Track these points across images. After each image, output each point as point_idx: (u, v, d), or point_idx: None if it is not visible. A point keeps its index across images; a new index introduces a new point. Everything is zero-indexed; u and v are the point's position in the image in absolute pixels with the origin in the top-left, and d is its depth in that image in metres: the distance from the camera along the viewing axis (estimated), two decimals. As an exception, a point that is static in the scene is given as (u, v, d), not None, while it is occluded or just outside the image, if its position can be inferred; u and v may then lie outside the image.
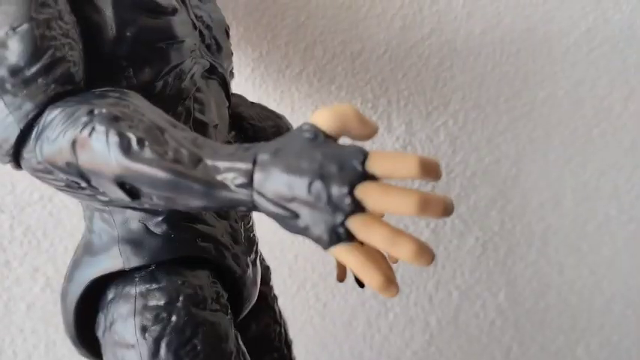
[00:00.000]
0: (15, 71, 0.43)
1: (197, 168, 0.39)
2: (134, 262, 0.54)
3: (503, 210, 1.13)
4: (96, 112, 0.41)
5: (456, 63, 1.02)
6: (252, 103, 0.82)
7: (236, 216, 0.64)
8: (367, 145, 1.01)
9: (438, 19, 0.99)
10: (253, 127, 0.79)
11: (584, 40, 1.07)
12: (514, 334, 1.19)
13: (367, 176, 0.35)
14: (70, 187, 0.45)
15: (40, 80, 0.43)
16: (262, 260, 0.80)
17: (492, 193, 1.11)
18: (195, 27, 0.59)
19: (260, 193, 0.38)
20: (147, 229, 0.55)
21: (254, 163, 0.38)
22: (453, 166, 1.07)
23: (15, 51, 0.42)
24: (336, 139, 0.38)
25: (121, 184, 0.41)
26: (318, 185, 0.35)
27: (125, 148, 0.40)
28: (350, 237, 0.36)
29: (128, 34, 0.51)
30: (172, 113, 0.55)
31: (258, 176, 0.37)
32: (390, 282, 0.36)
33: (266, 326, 0.76)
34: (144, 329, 0.52)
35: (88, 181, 0.42)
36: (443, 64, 1.01)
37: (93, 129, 0.41)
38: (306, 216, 0.36)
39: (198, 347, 0.53)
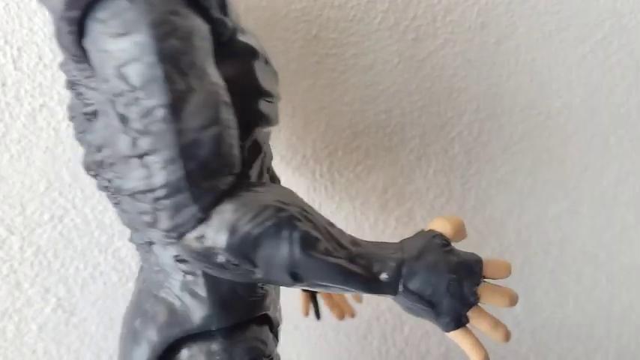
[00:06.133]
0: (203, 165, 0.46)
1: (356, 262, 0.47)
2: (222, 323, 0.57)
3: (519, 220, 1.11)
4: (282, 214, 0.46)
5: (470, 73, 1.00)
6: None
7: None
8: (378, 150, 1.00)
9: (451, 30, 0.97)
10: None
11: (600, 47, 1.05)
12: (531, 345, 1.18)
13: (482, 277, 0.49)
14: (224, 268, 0.48)
15: (220, 174, 0.47)
16: None
17: (508, 203, 1.10)
18: None
19: (405, 285, 0.47)
20: (236, 292, 0.58)
21: (402, 260, 0.47)
22: (467, 177, 1.06)
23: (206, 148, 0.46)
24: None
25: (293, 274, 0.47)
26: (454, 285, 0.47)
27: (307, 245, 0.46)
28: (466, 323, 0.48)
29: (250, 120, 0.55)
30: (249, 167, 0.59)
31: (405, 270, 0.47)
32: (488, 355, 0.49)
33: None
34: None
35: (253, 266, 0.47)
36: (457, 74, 1.00)
37: (279, 227, 0.46)
38: (440, 307, 0.47)
39: None
